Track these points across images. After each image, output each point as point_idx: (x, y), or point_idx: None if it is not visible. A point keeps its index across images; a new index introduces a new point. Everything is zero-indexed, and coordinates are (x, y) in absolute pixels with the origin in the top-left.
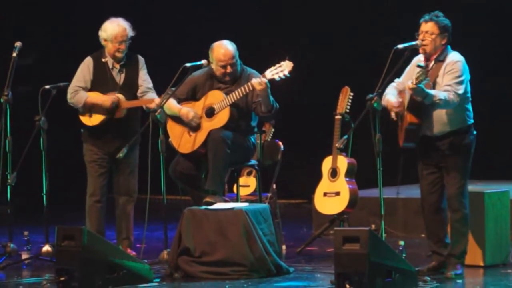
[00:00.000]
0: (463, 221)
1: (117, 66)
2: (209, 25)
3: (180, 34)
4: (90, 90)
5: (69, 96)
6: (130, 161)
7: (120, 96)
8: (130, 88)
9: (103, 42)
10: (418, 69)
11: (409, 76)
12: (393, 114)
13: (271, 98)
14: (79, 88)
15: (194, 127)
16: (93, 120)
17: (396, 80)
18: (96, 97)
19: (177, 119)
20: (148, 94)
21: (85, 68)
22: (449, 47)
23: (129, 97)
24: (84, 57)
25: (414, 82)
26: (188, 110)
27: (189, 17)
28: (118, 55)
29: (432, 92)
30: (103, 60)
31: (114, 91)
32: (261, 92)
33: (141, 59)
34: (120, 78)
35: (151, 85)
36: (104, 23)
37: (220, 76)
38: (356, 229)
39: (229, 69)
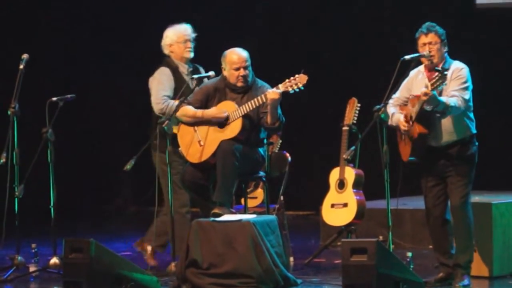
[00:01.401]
0: (468, 231)
1: (187, 74)
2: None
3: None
4: (172, 98)
5: (160, 106)
6: None
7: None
8: None
9: (169, 50)
10: (436, 73)
11: (407, 89)
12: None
13: (279, 111)
14: (167, 98)
15: (223, 123)
16: None
17: (393, 96)
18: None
19: (192, 124)
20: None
21: (166, 77)
22: (448, 56)
23: None
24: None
25: (429, 88)
26: (215, 113)
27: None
28: (187, 55)
29: (443, 99)
30: (175, 68)
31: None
32: (272, 103)
33: (201, 68)
34: (193, 85)
35: None
36: (164, 32)
37: (234, 81)
38: (363, 241)
39: (242, 72)
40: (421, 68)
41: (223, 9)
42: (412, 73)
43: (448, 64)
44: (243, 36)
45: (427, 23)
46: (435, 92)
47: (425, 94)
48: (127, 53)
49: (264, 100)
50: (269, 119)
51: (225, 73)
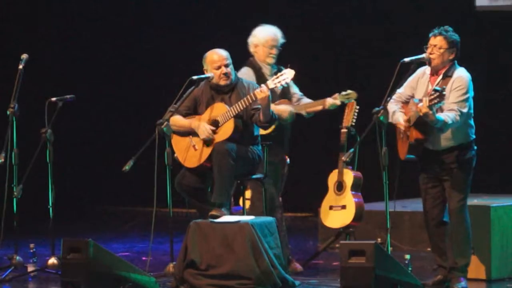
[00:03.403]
0: (466, 234)
1: (271, 74)
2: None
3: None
4: None
5: None
6: (285, 171)
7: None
8: (285, 97)
9: (253, 49)
10: (433, 92)
11: (411, 87)
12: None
13: (271, 109)
14: None
15: (208, 141)
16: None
17: (397, 91)
18: (274, 107)
19: (182, 133)
20: (304, 99)
21: (250, 79)
22: (456, 62)
23: None
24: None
25: (427, 104)
26: (205, 127)
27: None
28: (269, 60)
29: (442, 117)
30: (258, 69)
31: (274, 100)
32: (263, 102)
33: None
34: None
35: (300, 92)
36: (254, 30)
37: (217, 80)
38: (362, 243)
39: (224, 70)
40: (427, 69)
41: (221, 7)
42: (419, 71)
43: (452, 71)
44: (244, 36)
45: (444, 27)
46: (433, 110)
47: (423, 113)
48: (127, 53)
49: (254, 99)
50: (262, 118)
51: (209, 74)
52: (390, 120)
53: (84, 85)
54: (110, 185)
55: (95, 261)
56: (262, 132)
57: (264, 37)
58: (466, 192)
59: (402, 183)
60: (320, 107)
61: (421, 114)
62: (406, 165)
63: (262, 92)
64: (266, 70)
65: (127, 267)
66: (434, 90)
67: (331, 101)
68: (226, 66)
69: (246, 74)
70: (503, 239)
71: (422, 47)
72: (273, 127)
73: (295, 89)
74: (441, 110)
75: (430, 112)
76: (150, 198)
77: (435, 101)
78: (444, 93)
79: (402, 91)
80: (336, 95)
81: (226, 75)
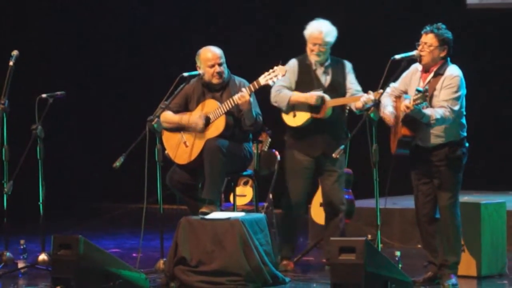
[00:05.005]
0: (456, 232)
1: (322, 67)
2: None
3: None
4: (294, 91)
5: (272, 95)
6: (336, 168)
7: (325, 95)
8: (336, 91)
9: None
10: (416, 92)
11: (405, 83)
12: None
13: (255, 112)
14: (282, 87)
15: (200, 131)
16: (297, 120)
17: (392, 85)
18: (299, 95)
19: (173, 130)
20: (359, 95)
21: (290, 69)
22: (449, 60)
23: None
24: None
25: (411, 104)
26: (196, 120)
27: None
28: (312, 57)
29: (428, 112)
30: (307, 62)
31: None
32: (243, 106)
33: (348, 64)
34: (325, 79)
35: (360, 88)
36: (307, 24)
37: (209, 78)
38: (352, 239)
39: (217, 68)
40: (419, 65)
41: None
42: (413, 67)
43: (443, 69)
44: (239, 33)
45: (437, 24)
46: (418, 107)
47: (407, 107)
48: (118, 50)
49: (235, 103)
50: (246, 121)
51: (201, 71)
52: (381, 115)
53: (75, 82)
54: (101, 182)
55: (85, 257)
56: (292, 124)
57: (308, 33)
58: (456, 190)
59: (392, 180)
60: (360, 104)
61: (406, 111)
62: (397, 161)
63: (241, 97)
64: (313, 64)
65: (118, 263)
66: (417, 91)
67: (365, 98)
68: (220, 65)
69: (289, 64)
70: (493, 236)
71: (413, 44)
72: (301, 122)
73: (351, 84)
74: (432, 107)
75: (413, 109)
76: (141, 194)
77: (418, 101)
78: (426, 94)
79: (396, 86)
80: (369, 92)
81: (219, 74)
